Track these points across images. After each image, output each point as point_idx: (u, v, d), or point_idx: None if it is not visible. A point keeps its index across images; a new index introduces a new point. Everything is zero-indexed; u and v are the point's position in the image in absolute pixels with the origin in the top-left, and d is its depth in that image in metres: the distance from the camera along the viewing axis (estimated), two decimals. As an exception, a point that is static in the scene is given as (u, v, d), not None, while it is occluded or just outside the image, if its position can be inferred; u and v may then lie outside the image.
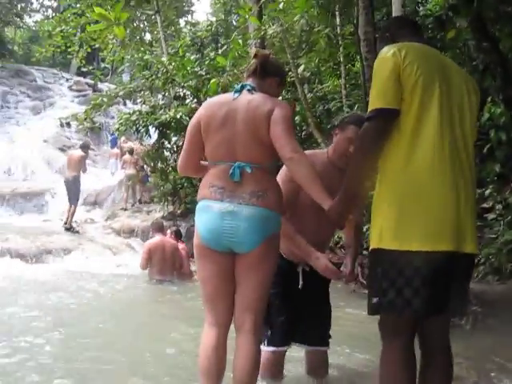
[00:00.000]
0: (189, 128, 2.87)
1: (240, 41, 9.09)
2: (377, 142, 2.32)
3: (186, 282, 8.66)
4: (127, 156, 15.48)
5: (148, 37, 21.07)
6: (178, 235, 9.41)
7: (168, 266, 8.59)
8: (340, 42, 11.41)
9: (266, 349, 3.18)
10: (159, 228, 9.17)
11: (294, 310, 3.29)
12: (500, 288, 5.99)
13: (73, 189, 12.23)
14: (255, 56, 2.90)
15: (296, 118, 11.06)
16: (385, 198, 2.35)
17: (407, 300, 2.25)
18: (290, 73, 12.57)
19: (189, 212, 12.56)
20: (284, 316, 3.24)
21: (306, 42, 12.73)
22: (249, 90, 2.79)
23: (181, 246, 9.21)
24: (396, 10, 9.86)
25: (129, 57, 13.47)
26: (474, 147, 2.43)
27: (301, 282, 3.26)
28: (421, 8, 11.56)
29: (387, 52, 2.34)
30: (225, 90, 9.72)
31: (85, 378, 3.69)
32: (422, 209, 2.26)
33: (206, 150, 2.79)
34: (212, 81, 9.58)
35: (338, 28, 11.44)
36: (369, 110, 2.34)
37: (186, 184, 12.36)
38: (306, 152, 3.16)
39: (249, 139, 2.67)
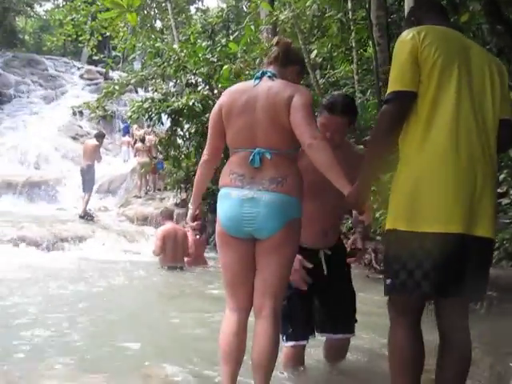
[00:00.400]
0: (211, 116, 2.88)
1: (252, 27, 9.03)
2: (395, 124, 2.33)
3: (198, 268, 8.79)
4: (140, 144, 15.54)
5: (158, 24, 21.10)
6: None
7: (180, 252, 8.70)
8: (352, 27, 11.36)
9: (285, 344, 3.19)
10: (169, 215, 9.29)
11: (313, 302, 3.29)
12: (516, 272, 5.97)
13: (87, 177, 12.34)
14: (277, 44, 2.90)
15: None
16: (401, 179, 2.37)
17: (417, 282, 2.28)
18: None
19: (202, 199, 12.59)
20: (304, 309, 3.22)
21: (317, 27, 12.70)
22: (269, 77, 2.79)
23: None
24: (408, -6, 9.82)
25: (140, 44, 13.44)
26: (500, 127, 2.41)
27: (324, 267, 3.25)
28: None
29: (406, 35, 2.35)
30: (237, 76, 9.72)
31: (110, 358, 3.80)
32: (435, 192, 2.26)
33: (227, 137, 2.80)
34: (224, 67, 9.56)
35: (350, 13, 11.39)
36: (387, 92, 2.35)
37: (197, 171, 12.38)
38: None
39: (269, 125, 2.68)
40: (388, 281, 2.39)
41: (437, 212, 2.26)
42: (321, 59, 12.78)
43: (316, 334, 3.33)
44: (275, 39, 2.99)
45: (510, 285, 5.53)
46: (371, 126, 10.15)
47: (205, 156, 2.94)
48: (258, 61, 12.12)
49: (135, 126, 18.45)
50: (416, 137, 2.32)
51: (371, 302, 5.54)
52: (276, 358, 2.73)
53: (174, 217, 11.35)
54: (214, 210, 12.13)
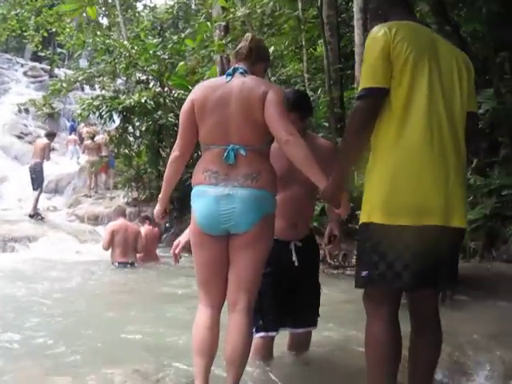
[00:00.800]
0: (182, 113, 2.85)
1: (208, 23, 9.02)
2: (367, 120, 2.36)
3: (150, 265, 8.78)
4: (89, 142, 15.31)
5: (104, 21, 20.76)
6: (149, 219, 9.47)
7: (130, 248, 8.64)
8: (302, 26, 11.45)
9: (255, 335, 3.19)
10: (122, 213, 9.27)
11: (285, 294, 3.30)
12: (465, 266, 6.17)
13: (36, 175, 12.28)
14: (251, 41, 2.91)
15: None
16: (376, 174, 2.39)
17: (397, 273, 2.29)
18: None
19: (153, 198, 12.52)
20: (275, 301, 3.24)
21: (268, 25, 12.76)
22: (241, 73, 2.80)
23: (155, 229, 9.38)
24: (358, -6, 9.99)
25: (90, 40, 13.23)
26: (467, 120, 2.48)
27: (295, 259, 3.28)
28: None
29: (378, 31, 2.36)
30: (193, 73, 9.69)
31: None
32: (412, 185, 2.29)
33: (199, 133, 2.79)
34: (180, 64, 9.51)
35: (300, 11, 11.48)
36: (359, 88, 2.37)
37: (149, 170, 12.29)
38: None
39: (243, 121, 2.69)
40: (363, 273, 2.38)
41: (414, 205, 2.29)
42: (271, 57, 12.83)
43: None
44: (248, 36, 2.99)
45: (462, 276, 5.73)
46: (322, 123, 10.31)
47: (176, 152, 2.90)
48: (208, 58, 12.27)
49: (82, 125, 18.19)
50: (390, 133, 2.34)
51: (327, 296, 5.64)
52: (249, 352, 2.75)
53: (127, 216, 11.27)
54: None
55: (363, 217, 2.43)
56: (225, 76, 2.84)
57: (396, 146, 2.33)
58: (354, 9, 10.29)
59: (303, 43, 11.69)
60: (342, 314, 5.00)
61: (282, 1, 8.34)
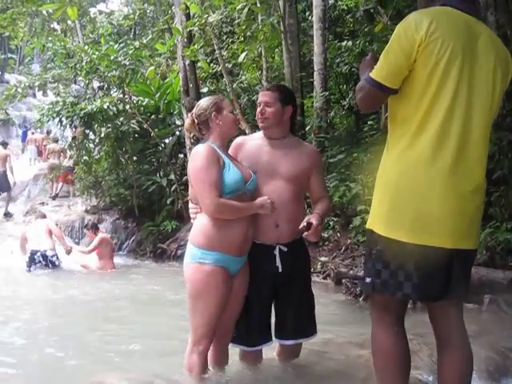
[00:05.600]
0: None
1: (180, 28, 9.04)
2: (368, 103, 2.39)
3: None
4: (53, 145, 15.24)
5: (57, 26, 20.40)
6: (93, 228, 9.64)
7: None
8: (262, 35, 11.54)
9: (246, 349, 3.20)
10: (42, 216, 9.88)
11: (270, 305, 3.22)
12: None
13: (2, 182, 14.09)
14: None
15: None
16: (383, 180, 2.34)
17: (400, 282, 2.24)
18: (212, 64, 12.69)
19: (113, 205, 12.39)
20: (260, 314, 3.17)
21: (227, 33, 12.85)
22: None
23: (103, 235, 9.44)
24: (316, 5, 10.19)
25: (51, 45, 13.02)
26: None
27: (278, 264, 3.11)
28: (339, 2, 11.95)
29: (413, 22, 2.21)
30: (164, 78, 9.70)
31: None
32: (414, 200, 2.21)
33: None
34: (150, 68, 9.50)
35: (259, 20, 11.59)
36: (374, 71, 2.28)
37: (108, 177, 12.17)
38: (241, 138, 3.33)
39: None
40: (368, 279, 2.33)
41: (415, 223, 2.20)
42: (231, 65, 12.92)
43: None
44: None
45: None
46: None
47: None
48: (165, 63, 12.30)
49: (31, 131, 17.97)
50: (405, 139, 2.25)
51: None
52: None
53: (85, 223, 11.18)
54: (125, 216, 11.96)
55: (369, 222, 2.39)
56: None
57: (405, 155, 2.25)
58: (314, 18, 10.50)
59: (263, 52, 11.81)
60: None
61: (257, 8, 8.41)
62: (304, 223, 2.96)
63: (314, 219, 2.97)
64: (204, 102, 3.09)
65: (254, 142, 3.24)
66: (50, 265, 8.73)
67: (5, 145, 14.78)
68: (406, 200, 2.22)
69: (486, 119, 2.28)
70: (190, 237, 3.01)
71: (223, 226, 2.89)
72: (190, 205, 3.13)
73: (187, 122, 3.16)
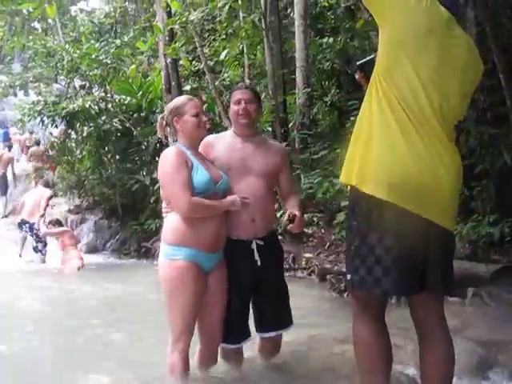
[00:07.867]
0: None
1: (161, 26, 9.00)
2: None
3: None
4: (35, 148, 15.17)
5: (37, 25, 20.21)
6: (57, 223, 9.69)
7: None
8: (244, 32, 11.54)
9: (228, 346, 3.22)
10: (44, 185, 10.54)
11: (250, 300, 3.28)
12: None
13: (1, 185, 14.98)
14: None
15: (204, 106, 11.10)
16: (364, 139, 2.34)
17: (377, 278, 2.26)
18: (194, 62, 12.67)
19: (97, 205, 12.33)
20: (240, 309, 3.22)
21: (209, 30, 12.83)
22: None
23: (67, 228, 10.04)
24: (298, 2, 10.20)
25: (31, 44, 12.92)
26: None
27: (257, 258, 3.18)
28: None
29: None
30: (146, 76, 9.66)
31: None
32: (398, 162, 2.24)
33: None
34: (132, 67, 9.46)
35: (241, 17, 11.58)
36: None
37: (91, 176, 12.10)
38: (211, 137, 3.35)
39: None
40: (348, 276, 2.38)
41: (399, 183, 2.23)
42: (213, 63, 12.90)
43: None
44: None
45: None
46: (266, 128, 10.45)
47: None
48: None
49: (13, 131, 17.78)
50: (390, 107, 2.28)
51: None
52: None
53: (69, 223, 11.13)
54: (109, 215, 11.91)
55: (349, 178, 2.39)
56: None
57: (390, 126, 2.27)
58: (295, 15, 10.51)
59: (245, 49, 11.81)
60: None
61: (238, 5, 8.42)
62: (287, 216, 3.08)
63: (296, 211, 3.11)
64: (169, 105, 3.17)
65: (225, 141, 3.33)
66: (34, 236, 9.74)
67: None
68: (385, 155, 2.26)
69: (458, 100, 2.33)
70: (162, 235, 3.06)
71: (194, 223, 2.93)
72: (163, 205, 3.17)
73: (157, 124, 3.21)
